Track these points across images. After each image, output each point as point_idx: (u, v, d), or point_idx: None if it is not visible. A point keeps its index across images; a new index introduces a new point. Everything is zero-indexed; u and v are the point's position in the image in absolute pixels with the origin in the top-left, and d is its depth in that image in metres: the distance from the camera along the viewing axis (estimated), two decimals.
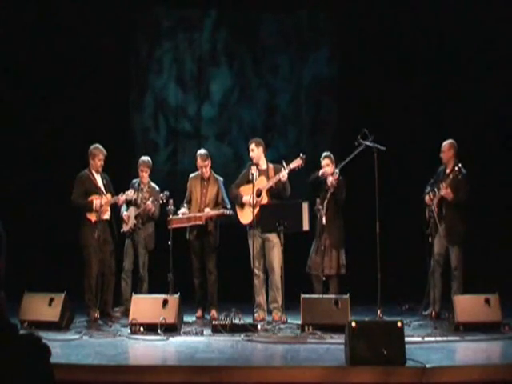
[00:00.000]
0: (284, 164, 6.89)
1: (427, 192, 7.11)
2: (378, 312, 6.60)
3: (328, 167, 7.18)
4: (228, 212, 7.18)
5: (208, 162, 7.39)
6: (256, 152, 7.09)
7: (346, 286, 6.73)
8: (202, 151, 7.48)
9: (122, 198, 7.15)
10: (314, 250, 7.21)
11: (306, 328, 6.06)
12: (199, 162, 7.38)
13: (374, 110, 8.87)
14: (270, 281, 7.00)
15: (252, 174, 6.80)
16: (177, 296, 6.33)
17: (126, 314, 6.87)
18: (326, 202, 7.07)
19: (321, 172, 7.20)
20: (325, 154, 7.35)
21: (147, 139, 9.61)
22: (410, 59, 9.07)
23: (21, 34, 9.00)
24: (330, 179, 7.05)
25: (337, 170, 7.09)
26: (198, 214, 7.22)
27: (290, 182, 6.98)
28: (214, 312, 7.23)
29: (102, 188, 7.14)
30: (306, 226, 6.66)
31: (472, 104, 8.91)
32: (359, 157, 6.97)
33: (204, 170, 7.36)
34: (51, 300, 6.32)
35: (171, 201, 7.02)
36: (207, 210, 7.25)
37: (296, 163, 6.85)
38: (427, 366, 4.62)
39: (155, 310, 6.16)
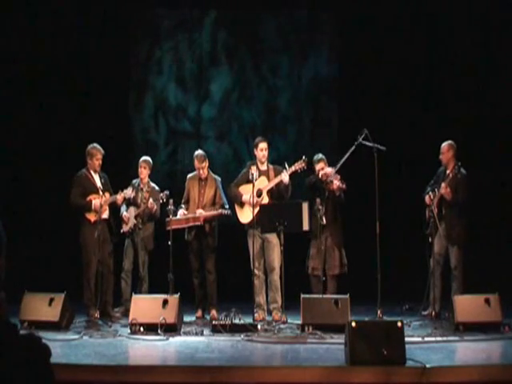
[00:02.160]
0: (286, 166, 6.89)
1: (427, 192, 7.11)
2: (378, 312, 6.60)
3: (327, 168, 7.19)
4: (226, 212, 7.17)
5: (205, 164, 7.38)
6: (267, 152, 7.10)
7: (346, 286, 6.72)
8: (199, 152, 7.46)
9: (120, 196, 7.12)
10: (314, 250, 7.21)
11: (306, 328, 6.06)
12: (196, 163, 7.37)
13: (373, 110, 8.87)
14: (270, 281, 7.00)
15: (252, 174, 6.80)
16: (177, 296, 6.32)
17: (126, 314, 6.87)
18: (325, 202, 7.09)
19: (321, 173, 7.18)
20: (318, 157, 7.34)
21: (147, 139, 9.61)
22: (410, 59, 9.07)
23: (21, 33, 9.01)
24: (337, 183, 7.03)
25: (335, 169, 7.10)
26: (197, 215, 7.22)
27: (290, 182, 6.98)
28: (213, 312, 7.22)
29: (101, 187, 7.13)
30: (305, 226, 6.66)
31: (472, 103, 8.91)
32: (359, 157, 6.98)
33: (201, 171, 7.36)
34: (51, 300, 6.31)
35: (171, 201, 7.01)
36: (200, 211, 7.23)
37: (298, 166, 6.84)
38: (427, 366, 4.62)
39: (155, 310, 6.15)
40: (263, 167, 7.12)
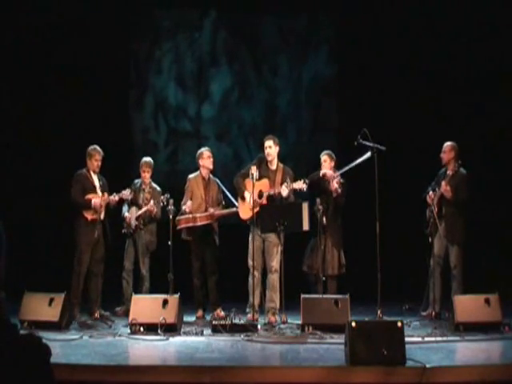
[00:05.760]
0: (288, 181, 6.80)
1: (427, 191, 7.10)
2: (378, 312, 6.60)
3: (328, 165, 7.19)
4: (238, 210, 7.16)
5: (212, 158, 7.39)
6: (273, 149, 6.99)
7: (346, 286, 6.72)
8: (205, 148, 7.49)
9: (115, 198, 7.11)
10: (312, 249, 7.21)
11: (306, 328, 6.06)
12: (206, 156, 7.33)
13: (373, 110, 8.87)
14: (268, 280, 6.94)
15: (252, 174, 6.78)
16: (177, 296, 6.32)
17: (127, 313, 6.87)
18: (325, 202, 7.09)
19: (321, 173, 7.19)
20: (326, 151, 7.36)
21: (147, 139, 9.62)
22: (410, 59, 9.07)
23: (22, 33, 9.01)
24: (335, 185, 7.03)
25: (338, 172, 7.10)
26: (208, 214, 7.19)
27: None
28: (218, 311, 7.15)
29: (99, 188, 7.14)
30: (306, 226, 6.66)
31: (473, 103, 8.91)
32: (359, 157, 6.97)
33: (209, 161, 7.30)
34: (51, 300, 6.31)
35: (171, 201, 7.01)
36: (211, 210, 7.23)
37: (297, 185, 6.70)
38: (427, 366, 4.62)
39: (155, 310, 6.16)
40: (272, 166, 7.05)
